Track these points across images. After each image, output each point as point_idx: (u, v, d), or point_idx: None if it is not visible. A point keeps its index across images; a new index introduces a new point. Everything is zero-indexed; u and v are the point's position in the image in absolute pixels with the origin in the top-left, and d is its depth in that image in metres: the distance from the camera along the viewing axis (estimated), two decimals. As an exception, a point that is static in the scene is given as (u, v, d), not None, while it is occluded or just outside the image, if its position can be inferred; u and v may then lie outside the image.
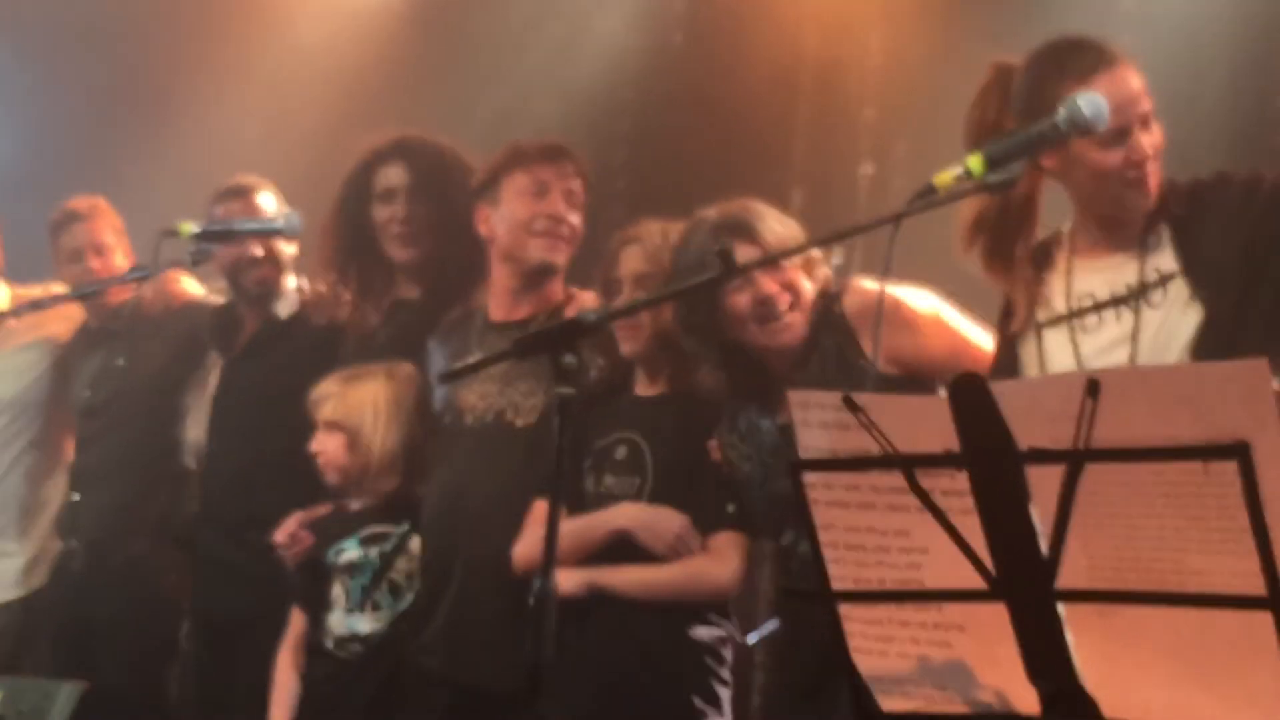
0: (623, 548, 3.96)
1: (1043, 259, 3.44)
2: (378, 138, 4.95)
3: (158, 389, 5.51)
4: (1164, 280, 3.29)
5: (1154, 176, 3.27)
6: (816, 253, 3.79)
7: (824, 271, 3.85)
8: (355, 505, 4.55)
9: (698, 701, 3.92)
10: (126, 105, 7.37)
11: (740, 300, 3.72)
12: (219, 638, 5.10)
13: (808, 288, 3.78)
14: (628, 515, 3.97)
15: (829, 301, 3.80)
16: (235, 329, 5.31)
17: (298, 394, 4.80)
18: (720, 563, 3.94)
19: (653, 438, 4.02)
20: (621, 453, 4.05)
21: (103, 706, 4.47)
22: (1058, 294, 3.39)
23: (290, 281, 5.24)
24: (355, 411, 4.50)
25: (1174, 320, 3.24)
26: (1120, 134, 3.19)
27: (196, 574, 5.24)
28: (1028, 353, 3.41)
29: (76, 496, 5.54)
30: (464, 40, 7.03)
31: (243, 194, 5.20)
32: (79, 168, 6.81)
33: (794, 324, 3.76)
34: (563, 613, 3.90)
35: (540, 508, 3.97)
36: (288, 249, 5.14)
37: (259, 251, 5.07)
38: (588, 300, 4.35)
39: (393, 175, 4.85)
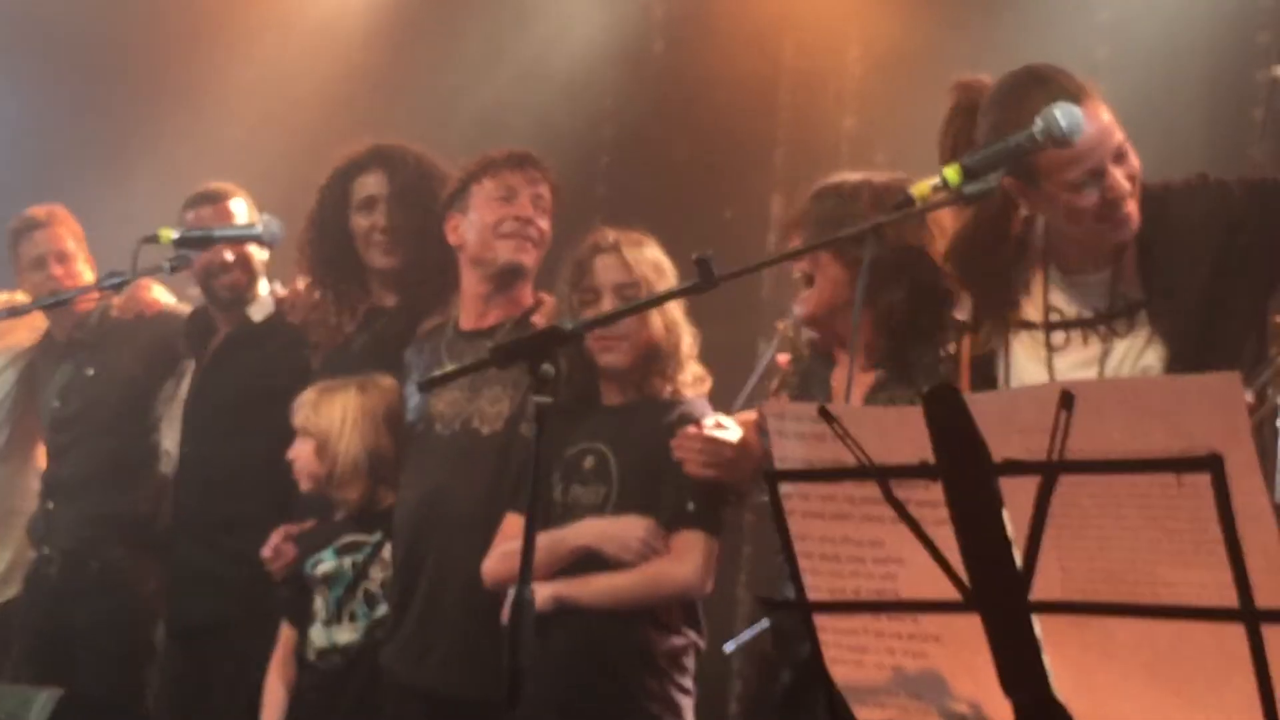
0: (589, 560, 3.95)
1: (1019, 258, 3.43)
2: (355, 146, 4.96)
3: (129, 397, 5.51)
4: (1130, 309, 3.29)
5: (1132, 206, 3.24)
6: None
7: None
8: (336, 516, 4.57)
9: (656, 709, 3.92)
10: (100, 112, 7.36)
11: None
12: (194, 643, 5.10)
13: None
14: (591, 532, 3.96)
15: None
16: (208, 334, 5.31)
17: (272, 398, 4.82)
18: (681, 562, 3.92)
19: (618, 446, 4.02)
20: (589, 462, 4.04)
21: (80, 713, 4.46)
22: (1033, 303, 3.39)
23: (263, 286, 5.24)
24: (325, 419, 4.52)
25: (1138, 351, 3.25)
26: (1095, 174, 3.17)
27: (171, 580, 5.24)
28: (1000, 360, 3.41)
29: (50, 505, 5.53)
30: (443, 48, 7.03)
31: (215, 199, 5.20)
32: (51, 175, 6.82)
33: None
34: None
35: (511, 522, 4.00)
36: (260, 254, 5.14)
37: (230, 256, 5.08)
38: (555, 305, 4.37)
39: (371, 184, 4.86)
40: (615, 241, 4.05)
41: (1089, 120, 3.14)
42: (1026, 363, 3.36)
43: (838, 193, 3.73)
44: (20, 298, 5.56)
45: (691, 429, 3.86)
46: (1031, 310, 3.38)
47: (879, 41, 6.30)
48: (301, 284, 5.09)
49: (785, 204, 6.26)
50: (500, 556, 4.00)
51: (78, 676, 5.21)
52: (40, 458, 5.78)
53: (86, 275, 5.55)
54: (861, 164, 6.25)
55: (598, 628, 3.91)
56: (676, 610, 4.00)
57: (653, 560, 3.91)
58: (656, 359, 4.04)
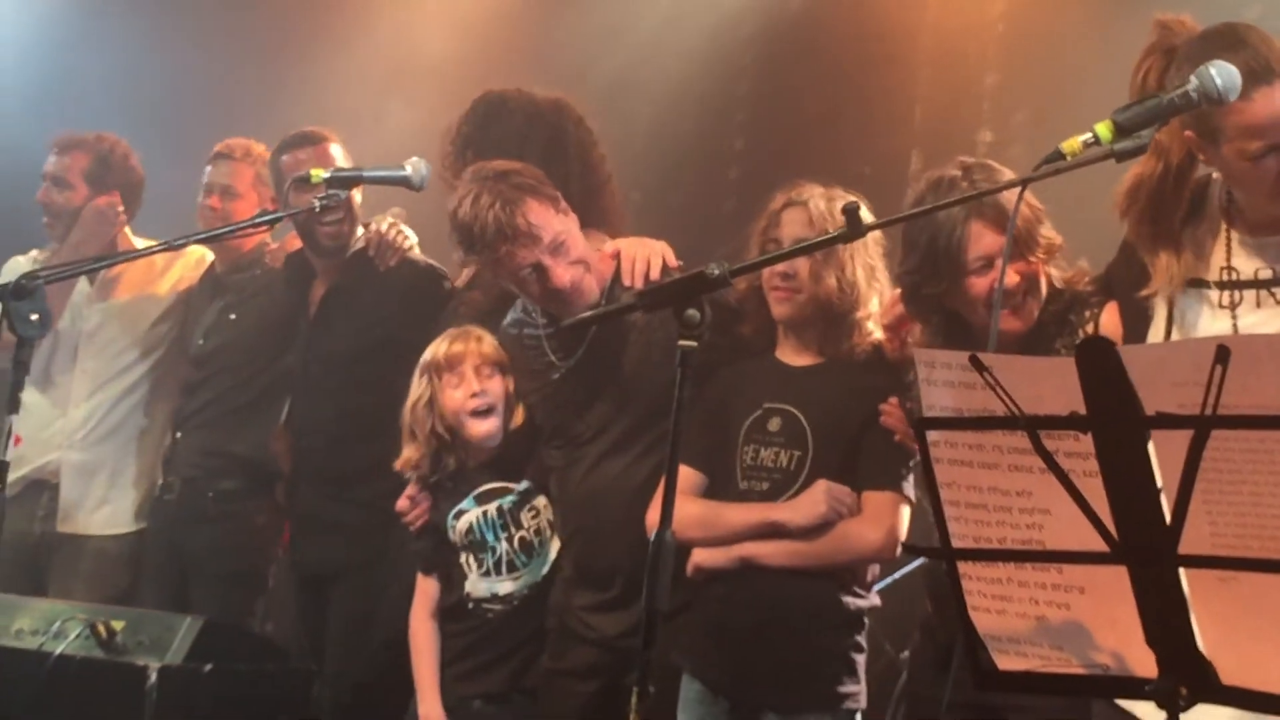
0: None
1: (1199, 217, 3.39)
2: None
3: (261, 342, 5.61)
4: None
5: None
6: (1058, 240, 3.71)
7: (1081, 266, 3.78)
8: (470, 463, 4.51)
9: (835, 667, 3.94)
10: (261, 51, 7.46)
11: (979, 284, 3.62)
12: (320, 588, 5.21)
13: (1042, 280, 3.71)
14: (777, 510, 3.94)
15: (1074, 302, 3.72)
16: (307, 280, 5.40)
17: (384, 346, 4.92)
18: (872, 524, 3.91)
19: (810, 408, 3.98)
20: (775, 424, 4.02)
21: (215, 638, 4.55)
22: (1212, 262, 3.34)
23: (359, 231, 5.31)
24: (504, 358, 4.51)
25: None
26: (1274, 148, 3.13)
27: (295, 528, 5.37)
28: (1160, 316, 3.39)
29: (178, 435, 5.68)
30: (582, 3, 7.05)
31: (314, 141, 5.27)
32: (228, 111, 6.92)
33: (1026, 312, 3.68)
34: (710, 582, 3.98)
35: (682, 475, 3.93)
36: (358, 199, 5.18)
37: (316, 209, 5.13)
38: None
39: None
40: (807, 196, 4.02)
41: (1273, 102, 3.10)
42: (1209, 321, 3.31)
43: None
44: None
45: (894, 399, 3.87)
46: (1204, 269, 3.35)
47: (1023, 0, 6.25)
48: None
49: (924, 161, 6.24)
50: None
51: (191, 602, 5.36)
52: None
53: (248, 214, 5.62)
54: (1002, 122, 6.25)
55: (781, 587, 3.92)
56: (860, 571, 4.01)
57: (843, 521, 3.92)
58: (833, 318, 4.01)
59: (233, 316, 5.68)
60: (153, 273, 5.93)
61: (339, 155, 5.24)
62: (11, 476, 5.08)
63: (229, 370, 5.66)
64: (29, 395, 5.61)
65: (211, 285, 5.84)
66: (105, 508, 5.80)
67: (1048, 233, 3.69)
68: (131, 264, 5.80)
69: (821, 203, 3.99)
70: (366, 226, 5.29)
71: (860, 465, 3.95)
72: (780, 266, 3.97)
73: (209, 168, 5.75)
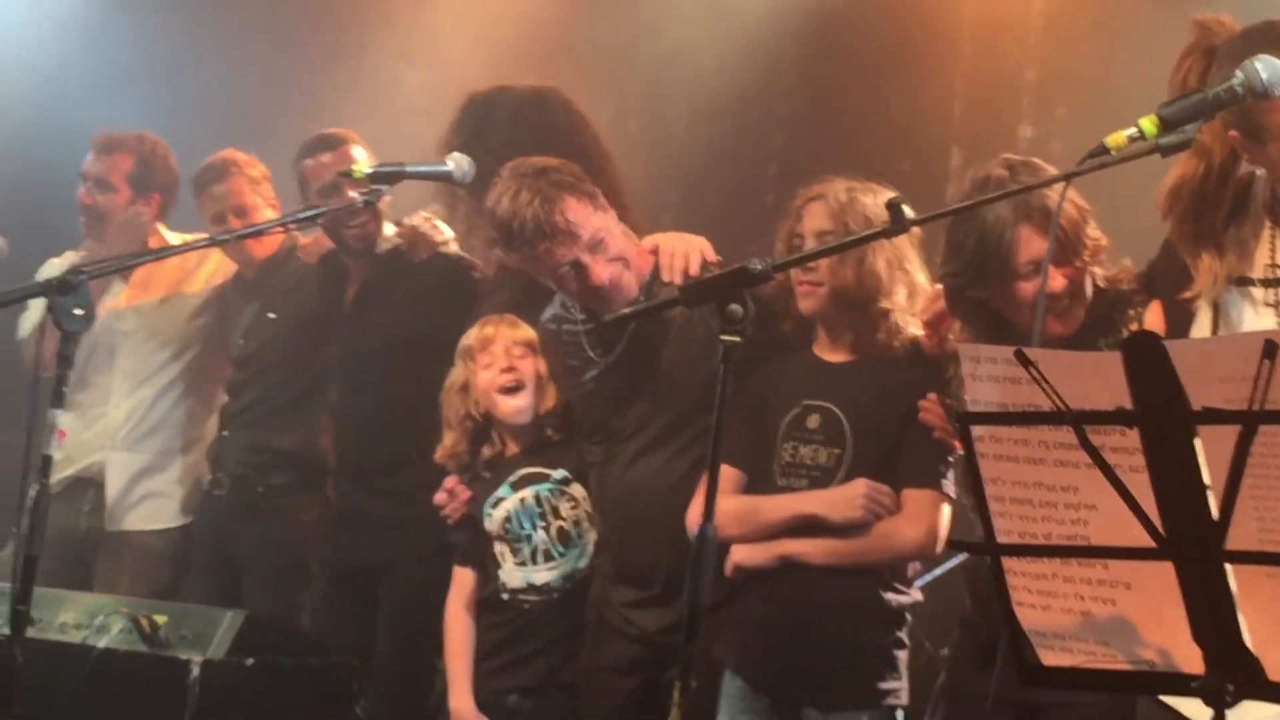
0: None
1: (1241, 216, 3.37)
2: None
3: (303, 340, 5.62)
4: None
5: None
6: (1104, 241, 3.69)
7: (1125, 264, 3.75)
8: (505, 450, 4.54)
9: (876, 664, 3.94)
10: (289, 61, 7.48)
11: (1028, 288, 3.60)
12: (360, 582, 5.22)
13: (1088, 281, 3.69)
14: (813, 498, 3.94)
15: (1117, 301, 3.70)
16: (342, 279, 5.41)
17: (418, 341, 4.94)
18: (913, 522, 3.90)
19: (849, 405, 3.97)
20: (814, 421, 4.01)
21: (258, 633, 4.57)
22: (1256, 260, 3.31)
23: (388, 229, 5.32)
24: (535, 340, 4.53)
25: None
26: None
27: (335, 523, 5.38)
28: (1203, 316, 3.37)
29: (226, 433, 5.71)
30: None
31: (334, 145, 5.27)
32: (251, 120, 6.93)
33: (1071, 316, 3.68)
34: (750, 579, 3.97)
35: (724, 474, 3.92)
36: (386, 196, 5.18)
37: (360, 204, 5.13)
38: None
39: None
40: (827, 190, 4.01)
41: None
42: (1253, 319, 3.29)
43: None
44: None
45: (933, 395, 3.85)
46: (1249, 267, 3.32)
47: (1063, -6, 6.24)
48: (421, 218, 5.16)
49: (963, 156, 6.23)
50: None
51: (241, 597, 5.39)
52: (220, 393, 5.94)
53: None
54: (1042, 118, 6.23)
55: (823, 584, 3.92)
56: (900, 567, 4.01)
57: (883, 519, 3.91)
58: (857, 310, 3.99)
59: (271, 315, 5.69)
60: (186, 269, 5.94)
61: (361, 156, 5.23)
62: (56, 476, 5.20)
63: (272, 369, 5.68)
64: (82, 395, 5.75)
65: (244, 285, 5.86)
66: (149, 503, 5.83)
67: (1094, 234, 3.66)
68: (163, 262, 5.81)
69: (843, 195, 3.97)
70: (399, 224, 5.30)
71: (900, 463, 3.94)
72: None
73: (202, 195, 5.74)
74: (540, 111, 4.76)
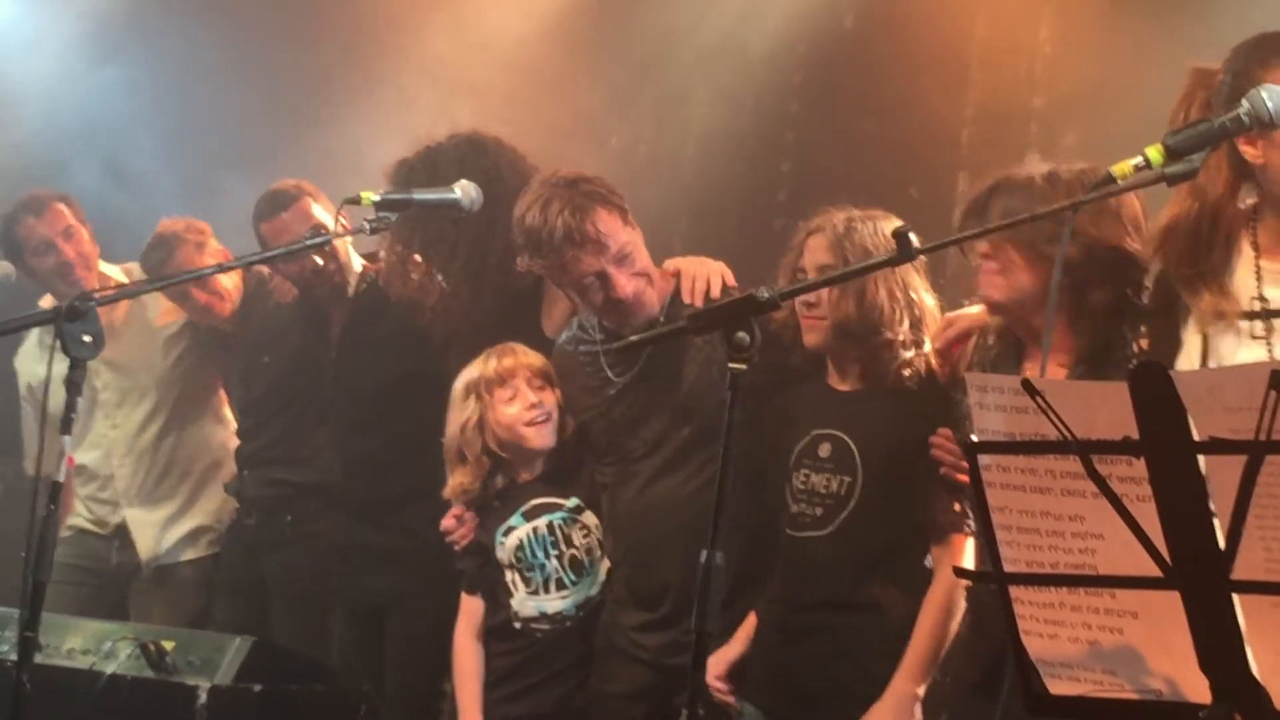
0: None
1: (1230, 248, 3.36)
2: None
3: (300, 380, 5.64)
4: None
5: None
6: None
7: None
8: (518, 479, 4.52)
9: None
10: (301, 78, 7.50)
11: None
12: (370, 618, 5.24)
13: None
14: None
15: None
16: (323, 322, 5.44)
17: (412, 375, 4.97)
18: (957, 584, 3.84)
19: (859, 434, 3.97)
20: (826, 449, 4.01)
21: (273, 660, 4.58)
22: (1236, 294, 3.32)
23: (356, 262, 5.33)
24: (551, 369, 4.53)
25: None
26: None
27: (344, 560, 5.40)
28: (1192, 347, 3.36)
29: (246, 473, 5.75)
30: (633, 22, 7.06)
31: (287, 203, 5.26)
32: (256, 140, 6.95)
33: None
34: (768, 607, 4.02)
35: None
36: (347, 242, 5.19)
37: (320, 260, 5.16)
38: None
39: None
40: (825, 222, 4.01)
41: None
42: (1244, 352, 3.28)
43: (1028, 187, 3.62)
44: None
45: (946, 430, 3.81)
46: (1232, 302, 3.32)
47: (1071, 19, 6.23)
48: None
49: (971, 183, 6.22)
50: None
51: (270, 626, 5.39)
52: (222, 415, 5.99)
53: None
54: (1051, 145, 6.22)
55: (836, 614, 3.93)
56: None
57: (928, 599, 3.89)
58: (861, 342, 3.99)
59: (266, 359, 5.70)
60: (145, 317, 5.95)
61: (320, 212, 5.23)
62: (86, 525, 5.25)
63: (279, 413, 5.72)
64: (83, 456, 5.77)
65: (224, 338, 5.87)
66: (177, 536, 5.91)
67: None
68: (116, 312, 5.81)
69: (841, 227, 3.98)
70: (376, 258, 5.29)
71: (923, 512, 3.92)
72: (805, 295, 3.97)
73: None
74: (481, 156, 4.79)
